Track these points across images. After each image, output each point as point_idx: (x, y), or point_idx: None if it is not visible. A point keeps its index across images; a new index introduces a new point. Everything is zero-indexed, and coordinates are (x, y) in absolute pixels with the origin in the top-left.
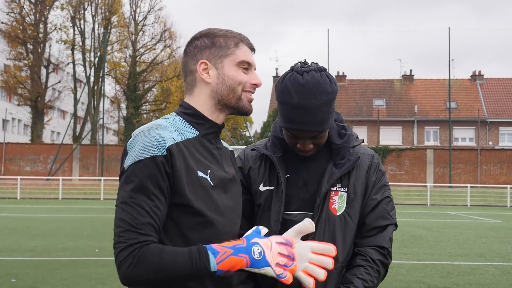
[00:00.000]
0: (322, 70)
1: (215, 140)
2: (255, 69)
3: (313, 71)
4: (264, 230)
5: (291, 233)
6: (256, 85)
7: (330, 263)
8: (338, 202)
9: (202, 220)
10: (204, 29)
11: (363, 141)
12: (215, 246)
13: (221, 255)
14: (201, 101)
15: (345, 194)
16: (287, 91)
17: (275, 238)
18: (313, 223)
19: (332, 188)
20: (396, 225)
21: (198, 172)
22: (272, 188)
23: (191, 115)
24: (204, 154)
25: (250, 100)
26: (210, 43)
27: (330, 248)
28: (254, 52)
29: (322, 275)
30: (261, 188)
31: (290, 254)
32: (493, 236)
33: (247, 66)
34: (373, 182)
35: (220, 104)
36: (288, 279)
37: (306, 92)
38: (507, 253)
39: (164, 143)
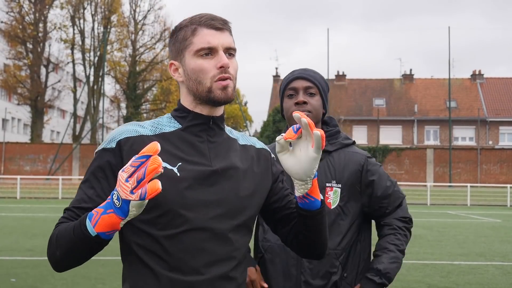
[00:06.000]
0: None
1: (205, 133)
2: (229, 48)
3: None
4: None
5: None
6: (222, 67)
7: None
8: (333, 196)
9: (161, 212)
10: None
11: (354, 142)
12: (96, 208)
13: (95, 217)
14: (184, 98)
15: (339, 190)
16: (289, 72)
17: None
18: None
19: (327, 185)
20: (405, 196)
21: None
22: None
23: (177, 110)
24: (180, 147)
25: (223, 87)
26: (173, 41)
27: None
28: (222, 29)
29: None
30: None
31: (136, 165)
32: (493, 236)
33: (207, 51)
34: (378, 181)
35: (197, 99)
36: (150, 190)
37: (303, 68)
38: (507, 252)
39: (117, 136)
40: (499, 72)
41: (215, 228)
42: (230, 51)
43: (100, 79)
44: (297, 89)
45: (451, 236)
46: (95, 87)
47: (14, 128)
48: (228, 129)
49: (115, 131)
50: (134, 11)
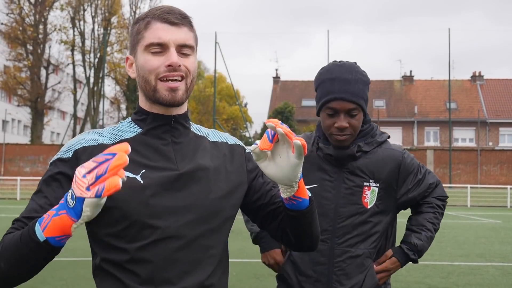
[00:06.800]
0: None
1: (168, 135)
2: (183, 45)
3: (349, 62)
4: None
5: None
6: (170, 66)
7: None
8: (370, 196)
9: (127, 223)
10: None
11: (389, 137)
12: (49, 211)
13: (45, 220)
14: (140, 98)
15: (376, 189)
16: (327, 71)
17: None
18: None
19: (365, 184)
20: (437, 178)
21: None
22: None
23: (136, 113)
24: (143, 152)
25: (171, 89)
26: (130, 33)
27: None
28: (177, 24)
29: None
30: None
31: (99, 161)
32: (493, 237)
33: (158, 48)
34: (415, 176)
35: (147, 99)
36: (109, 185)
37: (344, 68)
38: (507, 253)
39: (74, 146)
40: (499, 74)
41: (187, 235)
42: (184, 49)
43: (100, 80)
44: (338, 111)
45: (451, 237)
46: (95, 88)
47: (14, 129)
48: (196, 127)
49: (72, 140)
50: (134, 12)
